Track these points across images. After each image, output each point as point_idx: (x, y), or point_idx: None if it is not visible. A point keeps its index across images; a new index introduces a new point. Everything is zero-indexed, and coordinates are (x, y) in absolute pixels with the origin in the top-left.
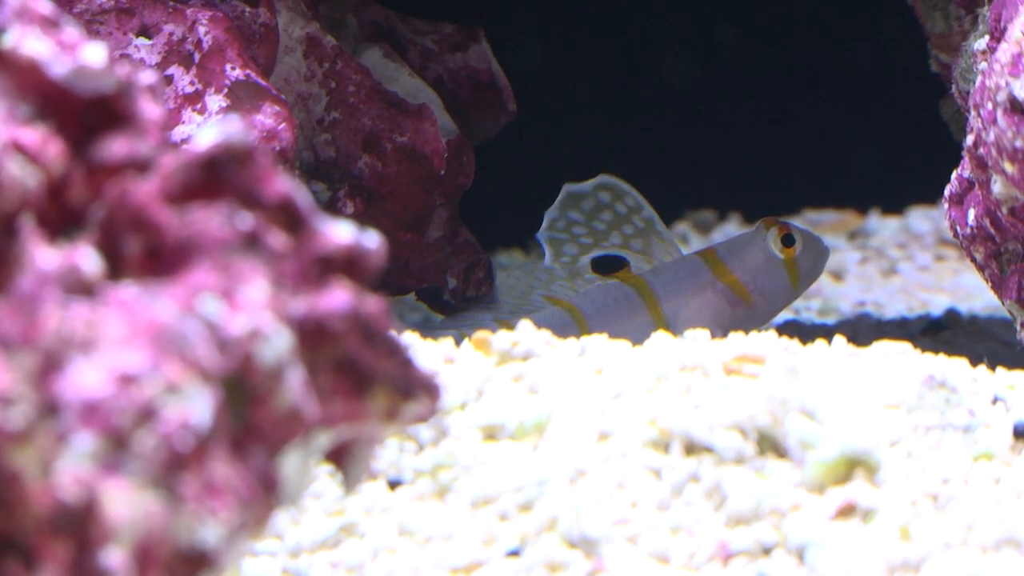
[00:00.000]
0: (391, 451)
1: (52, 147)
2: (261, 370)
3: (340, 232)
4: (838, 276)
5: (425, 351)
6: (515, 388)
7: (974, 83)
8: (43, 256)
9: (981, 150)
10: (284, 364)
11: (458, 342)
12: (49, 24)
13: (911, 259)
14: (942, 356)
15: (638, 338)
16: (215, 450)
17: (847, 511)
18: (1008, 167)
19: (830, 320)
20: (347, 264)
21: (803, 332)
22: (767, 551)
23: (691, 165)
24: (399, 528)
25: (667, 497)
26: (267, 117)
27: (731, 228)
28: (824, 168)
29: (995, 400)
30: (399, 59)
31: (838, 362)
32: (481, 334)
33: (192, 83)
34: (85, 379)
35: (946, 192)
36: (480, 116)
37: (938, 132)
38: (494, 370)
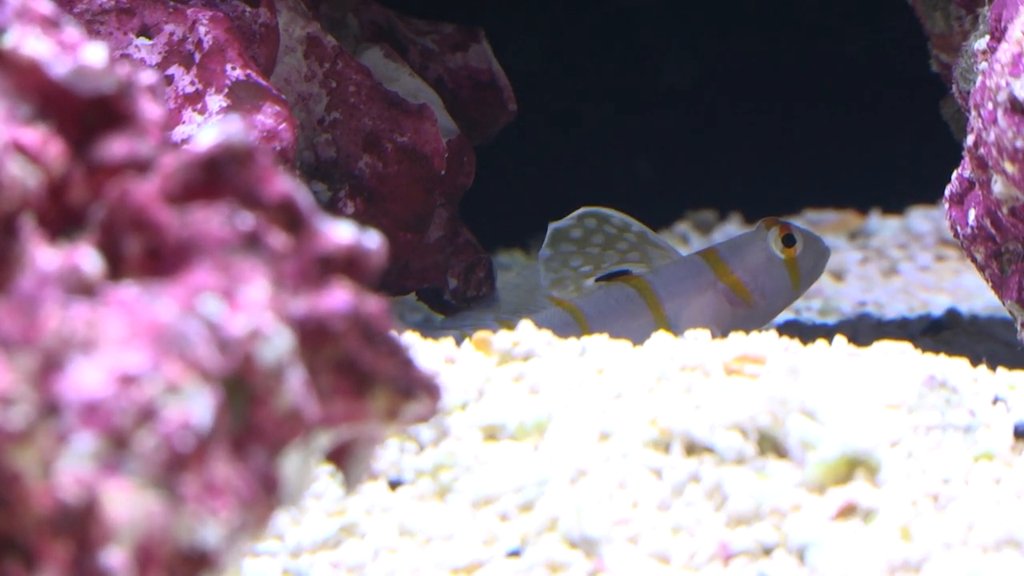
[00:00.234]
0: (392, 451)
1: (52, 147)
2: (262, 370)
3: (341, 232)
4: (839, 276)
5: (425, 351)
6: (516, 388)
7: (974, 83)
8: (43, 256)
9: (982, 150)
10: (284, 364)
11: (459, 342)
12: (50, 24)
13: (912, 259)
14: (943, 356)
15: (640, 339)
16: (215, 450)
17: (848, 511)
18: (1009, 167)
19: (831, 320)
20: (348, 264)
21: (804, 332)
22: (768, 551)
23: (692, 165)
24: (400, 528)
25: (668, 497)
26: (267, 117)
27: (732, 228)
28: (825, 168)
29: (996, 400)
30: (399, 59)
31: (839, 362)
32: (482, 334)
33: (192, 83)
34: (85, 379)
35: (947, 192)
36: (481, 116)
37: (938, 132)
38: (495, 370)
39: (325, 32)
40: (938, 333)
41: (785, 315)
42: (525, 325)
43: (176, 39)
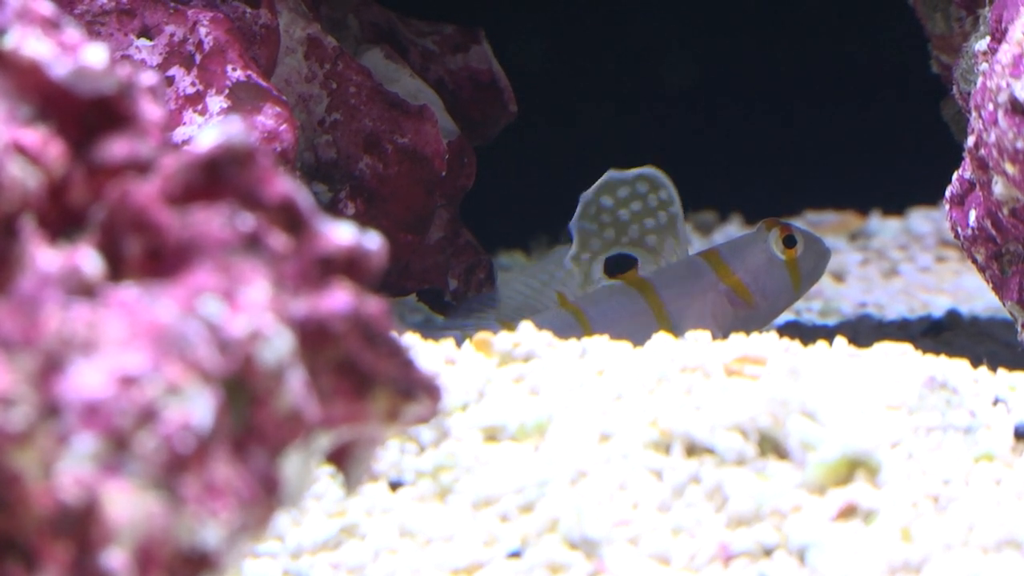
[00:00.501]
0: (392, 452)
1: (53, 148)
2: (262, 371)
3: (341, 233)
4: (839, 277)
5: (426, 352)
6: (516, 389)
7: (975, 84)
8: (44, 257)
9: (982, 151)
10: (285, 365)
11: (459, 342)
12: (50, 25)
13: (912, 260)
14: (943, 357)
15: (642, 340)
16: (216, 451)
17: (848, 512)
18: (1009, 168)
19: (831, 321)
20: (348, 265)
21: (804, 333)
22: (768, 552)
23: (692, 166)
24: (400, 529)
25: (668, 498)
26: (268, 118)
27: (732, 229)
28: (825, 169)
29: (996, 401)
30: (400, 60)
31: (839, 363)
32: (482, 335)
33: (193, 84)
34: (86, 380)
35: (947, 193)
36: (481, 117)
37: (939, 133)
38: (495, 371)
39: (326, 33)
40: (939, 334)
41: (786, 316)
42: (526, 326)
43: (177, 40)
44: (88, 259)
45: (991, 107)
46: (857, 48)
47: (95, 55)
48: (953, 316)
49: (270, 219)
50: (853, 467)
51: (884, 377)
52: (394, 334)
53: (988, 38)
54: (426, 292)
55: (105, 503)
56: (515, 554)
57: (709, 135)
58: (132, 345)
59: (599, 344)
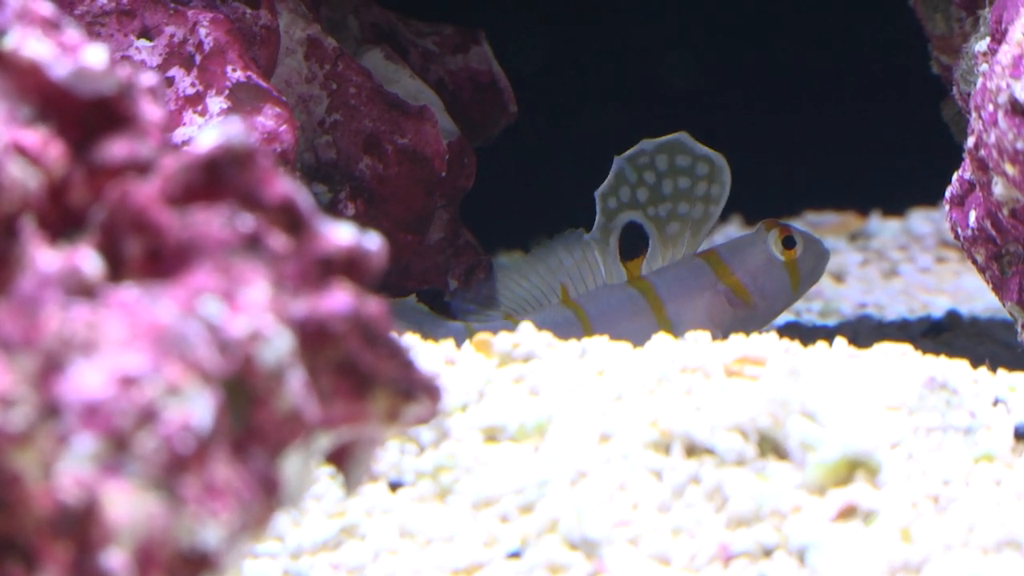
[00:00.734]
0: (392, 453)
1: (53, 149)
2: (262, 372)
3: (341, 234)
4: (839, 278)
5: (426, 353)
6: (516, 390)
7: (975, 85)
8: (44, 258)
9: (982, 152)
10: (285, 366)
11: (460, 342)
12: (50, 26)
13: (912, 261)
14: (943, 358)
15: (641, 339)
16: (216, 452)
17: (848, 513)
18: (1009, 169)
19: (831, 322)
20: (348, 266)
21: (804, 334)
22: (768, 553)
23: None
24: (400, 530)
25: (668, 499)
26: (268, 119)
27: (732, 230)
28: (825, 170)
29: (996, 402)
30: (400, 61)
31: (839, 364)
32: (482, 336)
33: (193, 85)
34: (86, 381)
35: (947, 194)
36: (481, 118)
37: (939, 134)
38: (495, 372)
39: (326, 34)
40: (938, 335)
41: (785, 317)
42: (526, 326)
43: (177, 41)
44: (88, 260)
45: (991, 108)
46: (857, 48)
47: (95, 56)
48: (953, 317)
49: (270, 220)
50: (853, 467)
51: (884, 378)
52: (394, 334)
53: (988, 39)
54: (426, 292)
55: (105, 503)
56: (515, 554)
57: (709, 135)
58: (132, 346)
59: (599, 344)
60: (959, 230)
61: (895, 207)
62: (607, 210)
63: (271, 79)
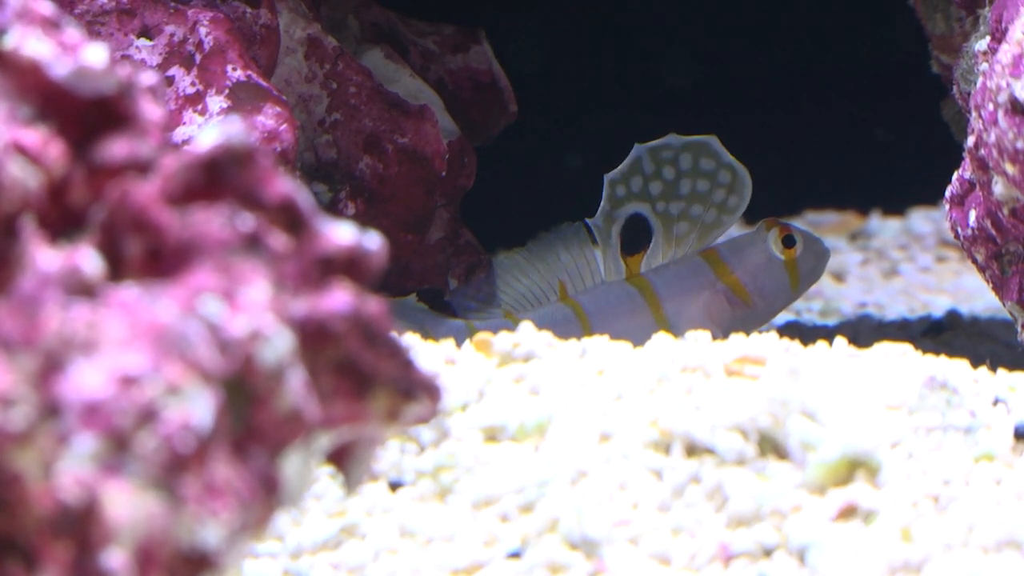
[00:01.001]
0: (392, 452)
1: (53, 148)
2: (262, 371)
3: (341, 233)
4: (839, 277)
5: (426, 352)
6: (516, 389)
7: (975, 84)
8: (44, 257)
9: (982, 151)
10: (285, 365)
11: (461, 341)
12: (50, 25)
13: (912, 260)
14: (943, 357)
15: (640, 337)
16: (216, 451)
17: (848, 512)
18: (1009, 168)
19: (831, 321)
20: (348, 265)
21: (804, 333)
22: (768, 552)
23: None
24: (400, 529)
25: (668, 498)
26: (268, 118)
27: (732, 229)
28: (825, 169)
29: (996, 401)
30: (400, 60)
31: (839, 363)
32: (482, 335)
33: (193, 84)
34: (86, 380)
35: (947, 193)
36: (481, 117)
37: (939, 133)
38: (495, 371)
39: (326, 33)
40: (939, 334)
41: (785, 316)
42: (526, 326)
43: (177, 40)
44: (88, 259)
45: (991, 107)
46: (857, 48)
47: (95, 55)
48: (953, 316)
49: (270, 219)
50: (853, 467)
51: (884, 377)
52: (394, 334)
53: (988, 38)
54: (426, 292)
55: (105, 503)
56: (515, 554)
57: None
58: (132, 345)
59: (599, 344)
60: (959, 229)
61: (895, 207)
62: (614, 197)
63: (271, 78)
